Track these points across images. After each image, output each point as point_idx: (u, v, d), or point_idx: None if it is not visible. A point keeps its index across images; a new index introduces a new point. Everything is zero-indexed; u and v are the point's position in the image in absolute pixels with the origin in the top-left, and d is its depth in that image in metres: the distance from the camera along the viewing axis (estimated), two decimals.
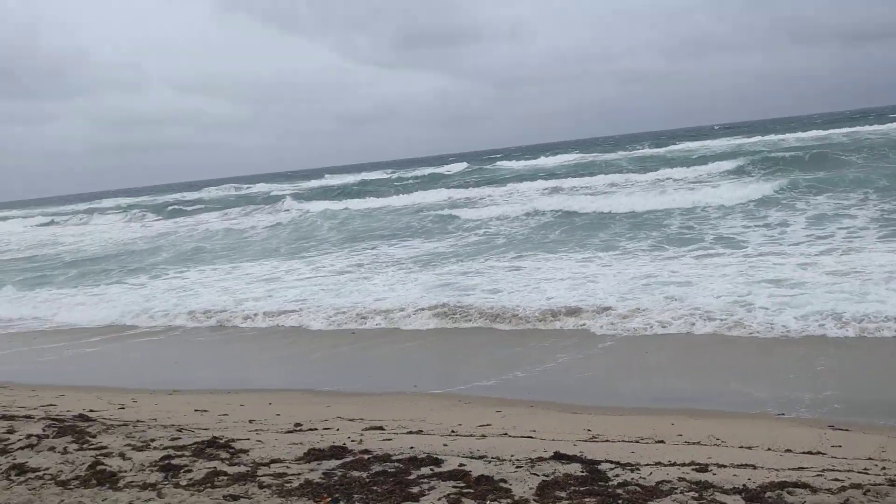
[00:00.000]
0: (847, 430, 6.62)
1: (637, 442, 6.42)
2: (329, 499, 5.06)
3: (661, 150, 52.28)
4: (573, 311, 11.85)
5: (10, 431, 7.01)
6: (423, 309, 13.00)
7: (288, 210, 40.50)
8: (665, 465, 5.35)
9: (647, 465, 5.35)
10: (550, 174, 43.43)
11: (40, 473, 5.81)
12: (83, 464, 5.94)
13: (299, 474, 5.54)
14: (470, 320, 12.36)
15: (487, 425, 7.29)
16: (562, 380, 9.17)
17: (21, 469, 5.91)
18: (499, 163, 59.60)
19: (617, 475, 5.09)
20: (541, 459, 5.67)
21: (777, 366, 8.80)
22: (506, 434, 6.87)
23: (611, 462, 5.39)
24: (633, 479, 4.99)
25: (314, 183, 61.82)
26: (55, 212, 66.04)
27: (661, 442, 6.40)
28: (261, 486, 5.32)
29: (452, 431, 7.06)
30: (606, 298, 12.33)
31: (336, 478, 5.45)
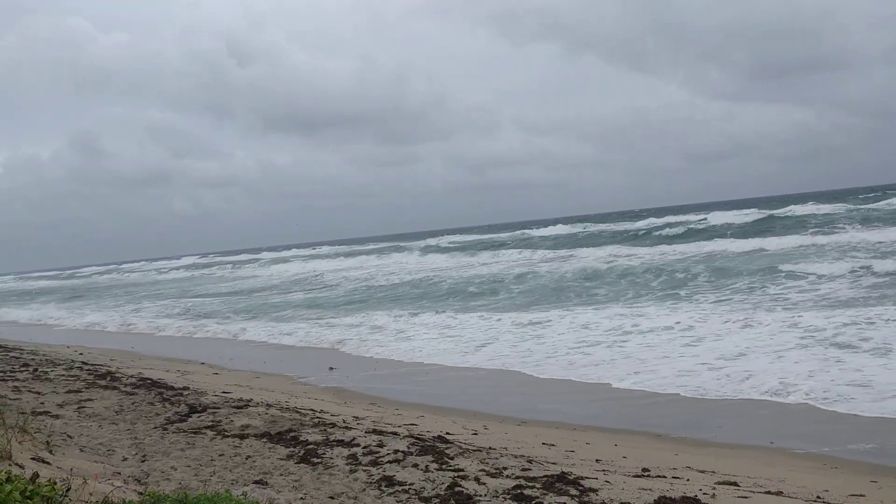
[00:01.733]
0: None
1: None
2: None
3: None
4: None
5: (380, 445, 7.69)
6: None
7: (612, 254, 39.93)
8: None
9: None
10: None
11: (406, 487, 6.28)
12: (442, 483, 6.32)
13: None
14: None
15: (861, 496, 6.51)
16: None
17: (390, 481, 6.44)
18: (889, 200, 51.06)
19: None
20: None
21: None
22: None
23: None
24: None
25: (654, 221, 60.24)
26: (410, 245, 71.86)
27: None
28: None
29: (818, 497, 6.42)
30: None
31: None
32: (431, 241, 69.99)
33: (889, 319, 14.76)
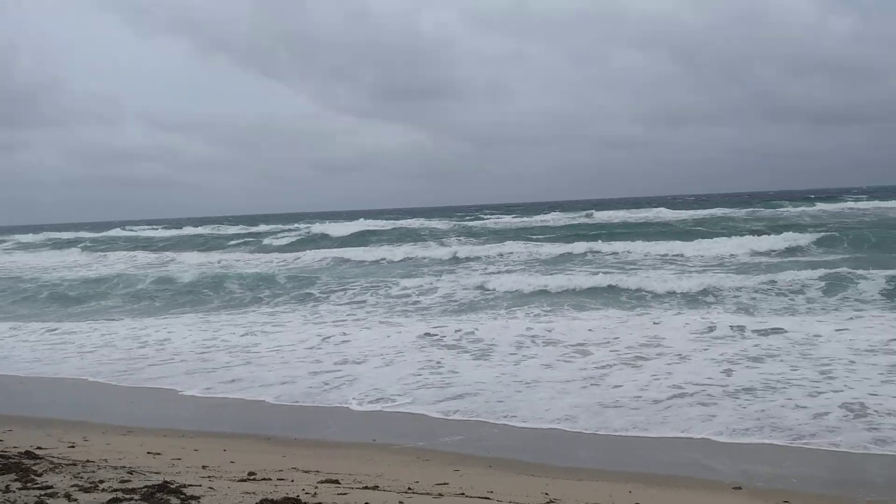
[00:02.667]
0: None
1: None
2: None
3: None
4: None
5: None
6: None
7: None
8: None
9: None
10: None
11: None
12: (25, 503, 5.77)
13: None
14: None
15: (445, 484, 7.19)
16: (524, 439, 9.10)
17: None
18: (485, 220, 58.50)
19: None
20: None
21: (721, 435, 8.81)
22: (463, 494, 6.78)
23: None
24: None
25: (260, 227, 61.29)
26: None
27: None
28: None
29: (409, 489, 6.96)
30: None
31: None
32: (24, 238, 63.60)
33: (501, 323, 16.91)
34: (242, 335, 17.09)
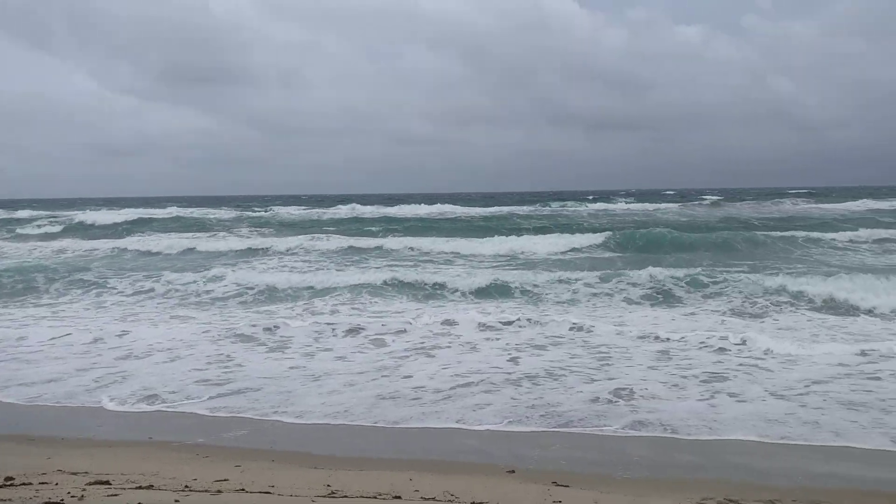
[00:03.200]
0: (568, 486, 7.08)
1: (375, 498, 6.46)
2: None
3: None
4: None
5: None
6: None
7: None
8: None
9: None
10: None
11: None
12: None
13: None
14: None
15: (225, 480, 7.02)
16: (308, 433, 9.05)
17: None
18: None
19: None
20: None
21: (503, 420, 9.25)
22: (243, 490, 6.65)
23: None
24: None
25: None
26: None
27: (398, 497, 6.48)
28: None
29: (186, 487, 6.72)
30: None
31: None
32: None
33: (298, 314, 17.11)
34: (9, 328, 15.74)
